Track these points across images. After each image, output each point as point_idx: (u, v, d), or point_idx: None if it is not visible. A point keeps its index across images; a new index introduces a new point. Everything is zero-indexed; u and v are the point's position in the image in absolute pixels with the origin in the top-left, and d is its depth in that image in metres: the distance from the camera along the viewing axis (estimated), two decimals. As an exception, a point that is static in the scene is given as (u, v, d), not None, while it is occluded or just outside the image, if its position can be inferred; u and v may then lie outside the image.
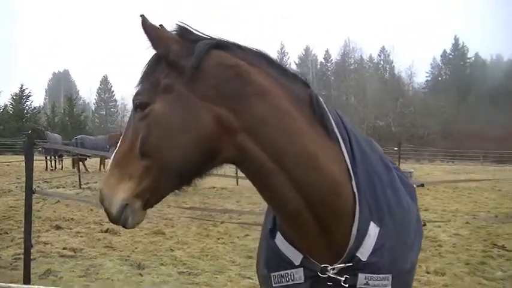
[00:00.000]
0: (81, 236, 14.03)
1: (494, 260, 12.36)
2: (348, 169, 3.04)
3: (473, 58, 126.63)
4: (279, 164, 2.90)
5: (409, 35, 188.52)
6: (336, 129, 3.07)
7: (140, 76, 3.01)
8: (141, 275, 10.40)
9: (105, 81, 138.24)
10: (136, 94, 2.97)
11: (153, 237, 14.11)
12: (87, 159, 37.74)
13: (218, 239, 14.24)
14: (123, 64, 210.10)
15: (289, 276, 3.14)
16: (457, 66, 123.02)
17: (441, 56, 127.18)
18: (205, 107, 2.82)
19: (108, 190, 2.87)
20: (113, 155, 2.95)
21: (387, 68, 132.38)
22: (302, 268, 3.10)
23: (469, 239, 14.65)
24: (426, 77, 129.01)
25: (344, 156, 3.05)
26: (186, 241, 13.74)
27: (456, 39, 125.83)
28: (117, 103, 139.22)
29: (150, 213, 13.62)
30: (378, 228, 3.07)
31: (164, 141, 2.82)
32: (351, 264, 3.02)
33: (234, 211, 19.14)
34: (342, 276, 3.01)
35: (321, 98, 3.13)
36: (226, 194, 26.24)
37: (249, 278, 10.50)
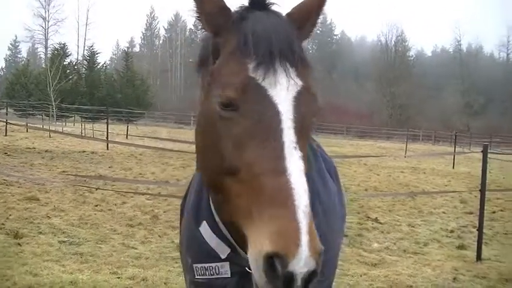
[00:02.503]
0: None
1: (370, 232, 12.93)
2: None
3: (339, 36, 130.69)
4: None
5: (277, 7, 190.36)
6: None
7: (301, 58, 2.33)
8: (19, 244, 9.87)
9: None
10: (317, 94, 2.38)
11: (27, 203, 13.48)
12: None
13: (96, 206, 13.89)
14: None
15: (213, 270, 2.96)
16: (323, 42, 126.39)
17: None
18: None
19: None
20: (306, 182, 2.05)
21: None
22: (228, 262, 2.94)
23: (343, 211, 15.11)
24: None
25: None
26: (63, 208, 13.26)
27: (324, 16, 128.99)
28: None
29: (19, 177, 12.99)
30: None
31: None
32: None
33: (109, 177, 18.75)
34: None
35: None
36: (97, 158, 25.68)
37: (133, 247, 10.34)
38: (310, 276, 1.88)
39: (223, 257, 2.95)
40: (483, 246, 11.24)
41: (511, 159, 35.77)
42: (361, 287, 8.79)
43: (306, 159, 2.16)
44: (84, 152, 28.27)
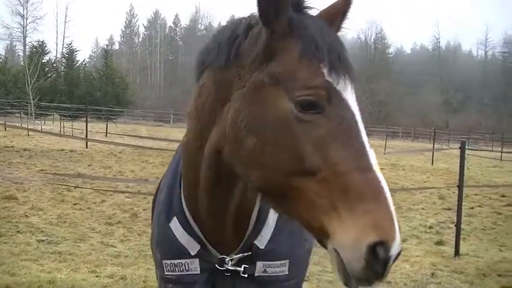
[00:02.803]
0: None
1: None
2: None
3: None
4: None
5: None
6: None
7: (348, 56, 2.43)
8: (-3, 243, 9.83)
9: None
10: None
11: (5, 202, 13.38)
12: None
13: (74, 204, 13.82)
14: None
15: (183, 266, 2.99)
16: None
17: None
18: None
19: None
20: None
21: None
22: (198, 259, 2.97)
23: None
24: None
25: None
26: (41, 207, 13.18)
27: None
28: None
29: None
30: (277, 215, 3.03)
31: None
32: (249, 253, 2.97)
33: (88, 176, 18.66)
34: (241, 266, 2.94)
35: None
36: (76, 157, 25.53)
37: (112, 246, 10.30)
38: (397, 256, 2.06)
39: (193, 253, 2.96)
40: (461, 242, 11.34)
41: (489, 156, 36.13)
42: (340, 284, 8.79)
43: None
44: (63, 150, 28.10)
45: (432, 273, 9.72)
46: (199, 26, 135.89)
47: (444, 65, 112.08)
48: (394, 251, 2.00)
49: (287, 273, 3.11)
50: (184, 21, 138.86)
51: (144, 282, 8.27)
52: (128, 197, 15.12)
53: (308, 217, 2.19)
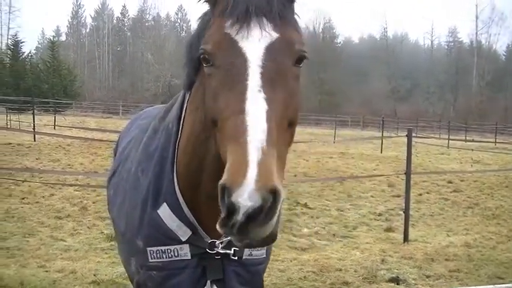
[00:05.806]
0: None
1: (299, 217, 13.07)
2: None
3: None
4: None
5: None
6: None
7: (279, 14, 2.40)
8: None
9: None
10: (302, 43, 2.43)
11: None
12: None
13: (22, 199, 13.59)
14: None
15: (172, 252, 2.97)
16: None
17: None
18: None
19: (280, 184, 2.00)
20: (265, 121, 2.12)
21: (184, 27, 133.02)
22: (188, 245, 2.96)
23: (274, 197, 15.25)
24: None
25: None
26: (-12, 202, 12.91)
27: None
28: None
29: None
30: None
31: None
32: None
33: (36, 169, 18.35)
34: (230, 249, 2.96)
35: None
36: (24, 150, 25.02)
37: (61, 240, 10.17)
38: (254, 213, 1.89)
39: (183, 239, 2.96)
40: (410, 228, 11.55)
41: (436, 143, 36.73)
42: (292, 272, 8.87)
43: (284, 100, 2.26)
44: (10, 144, 27.43)
45: (382, 260, 9.86)
46: (147, 17, 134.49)
47: (391, 54, 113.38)
48: (238, 198, 1.89)
49: (265, 256, 3.21)
50: (132, 12, 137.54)
51: (94, 275, 8.18)
52: (77, 190, 14.92)
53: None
